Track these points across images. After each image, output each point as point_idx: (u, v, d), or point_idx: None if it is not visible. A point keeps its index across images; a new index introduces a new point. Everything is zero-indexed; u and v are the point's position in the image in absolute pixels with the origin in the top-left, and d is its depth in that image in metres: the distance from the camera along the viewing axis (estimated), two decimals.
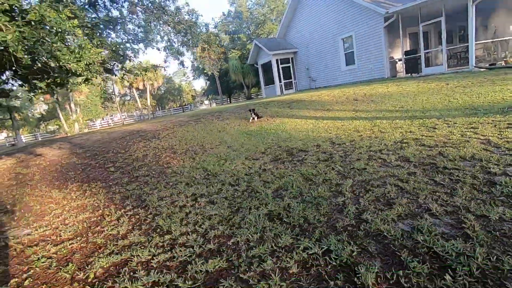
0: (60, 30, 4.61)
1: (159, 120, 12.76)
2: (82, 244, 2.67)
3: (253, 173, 3.94)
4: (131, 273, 2.02)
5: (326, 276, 1.67)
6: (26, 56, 4.29)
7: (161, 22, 12.47)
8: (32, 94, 6.78)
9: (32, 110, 40.48)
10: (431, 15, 11.45)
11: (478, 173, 2.64)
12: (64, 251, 2.58)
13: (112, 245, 2.51)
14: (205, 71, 35.72)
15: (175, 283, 1.83)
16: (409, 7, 11.04)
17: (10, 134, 39.38)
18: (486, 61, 12.11)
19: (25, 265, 2.45)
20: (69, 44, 5.22)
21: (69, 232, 3.02)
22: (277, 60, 19.26)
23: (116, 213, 3.35)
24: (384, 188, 2.68)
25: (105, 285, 1.92)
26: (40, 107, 42.22)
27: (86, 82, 7.23)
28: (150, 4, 11.84)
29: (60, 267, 2.29)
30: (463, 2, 10.04)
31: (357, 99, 8.68)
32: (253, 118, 8.38)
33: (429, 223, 1.99)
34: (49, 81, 6.28)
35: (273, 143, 5.64)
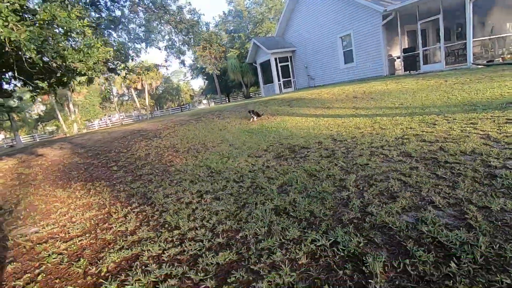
0: (69, 29, 4.64)
1: (159, 120, 12.78)
2: (91, 241, 2.72)
3: (256, 170, 3.99)
4: (143, 267, 2.06)
5: (335, 266, 1.72)
6: (35, 55, 4.32)
7: (162, 21, 12.47)
8: (34, 94, 6.78)
9: (30, 111, 40.34)
10: (429, 13, 11.52)
11: (479, 167, 2.70)
12: (74, 248, 2.62)
13: (121, 241, 2.55)
14: (204, 71, 35.71)
15: (188, 275, 1.88)
16: (407, 4, 11.11)
17: (8, 136, 39.22)
18: (483, 58, 12.21)
19: (36, 261, 2.49)
20: (78, 43, 5.24)
21: (77, 229, 3.06)
22: (275, 59, 19.30)
23: (122, 210, 3.39)
24: (388, 182, 2.74)
25: (118, 279, 1.97)
26: (38, 107, 42.05)
27: (89, 82, 7.24)
28: (151, 4, 11.84)
29: (72, 263, 2.33)
30: (460, 0, 10.11)
31: (357, 97, 8.74)
32: (253, 118, 8.42)
33: (433, 215, 2.05)
34: (51, 81, 6.29)
35: (275, 141, 5.69)
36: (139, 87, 39.11)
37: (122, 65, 9.78)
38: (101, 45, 5.59)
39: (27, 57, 4.28)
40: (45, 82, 6.14)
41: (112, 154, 6.88)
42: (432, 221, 1.97)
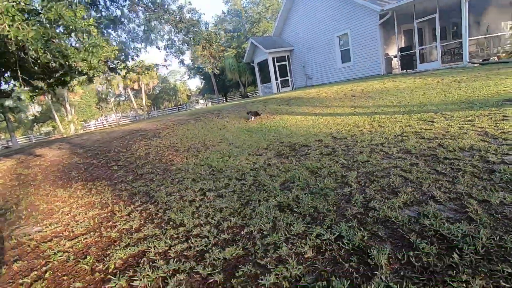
0: (74, 28, 4.64)
1: (157, 120, 12.75)
2: (96, 239, 2.73)
3: (258, 168, 4.03)
4: (151, 263, 2.09)
5: (340, 259, 1.76)
6: (42, 54, 4.31)
7: (162, 21, 12.45)
8: (34, 94, 6.75)
9: (25, 112, 39.95)
10: (425, 12, 11.64)
11: (478, 162, 2.76)
12: (80, 246, 2.64)
13: (127, 238, 2.57)
14: (201, 71, 35.65)
15: (195, 270, 1.91)
16: (403, 4, 11.20)
17: (3, 137, 38.81)
18: (479, 56, 12.35)
19: (42, 260, 2.50)
20: (83, 42, 5.24)
21: (81, 228, 3.07)
22: (273, 58, 19.34)
23: (125, 208, 3.41)
24: (389, 178, 2.79)
25: (126, 274, 1.99)
26: (33, 108, 41.67)
27: (90, 82, 7.22)
28: (150, 4, 11.82)
29: (79, 260, 2.35)
30: None
31: (355, 96, 8.81)
32: (251, 118, 8.42)
33: (434, 209, 2.10)
34: (51, 80, 6.27)
35: (275, 139, 5.73)
36: (135, 87, 38.97)
37: (123, 65, 9.77)
38: (106, 44, 5.60)
39: (33, 56, 4.27)
40: (45, 81, 6.12)
41: (111, 154, 6.87)
42: (433, 215, 2.02)
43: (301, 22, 18.11)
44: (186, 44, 15.08)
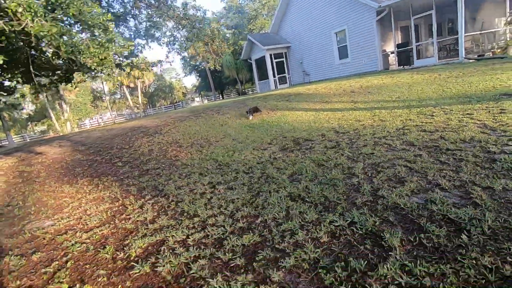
0: (92, 24, 4.65)
1: (156, 117, 12.74)
2: (112, 230, 2.80)
3: (264, 162, 4.11)
4: (171, 250, 2.17)
5: (355, 243, 1.86)
6: (64, 49, 4.31)
7: (166, 17, 12.39)
8: (37, 91, 6.72)
9: (19, 111, 39.43)
10: (422, 8, 11.77)
11: (479, 153, 2.88)
12: (96, 237, 2.70)
13: (143, 229, 2.65)
14: (197, 68, 35.52)
15: (216, 256, 1.99)
16: (400, 0, 11.32)
17: None
18: (474, 52, 12.55)
19: (60, 251, 2.57)
20: (99, 37, 5.24)
21: (95, 221, 3.13)
22: (270, 55, 19.38)
23: (136, 202, 3.47)
24: (394, 169, 2.90)
25: (149, 261, 2.07)
26: (28, 107, 41.13)
27: (93, 79, 7.19)
28: (153, 1, 11.77)
29: (98, 250, 2.42)
30: None
31: (354, 91, 8.92)
32: (251, 116, 8.42)
33: (441, 196, 2.21)
34: (54, 77, 6.26)
35: (278, 134, 5.81)
36: (131, 85, 38.67)
37: (127, 61, 9.73)
38: (123, 39, 5.61)
39: (49, 53, 4.27)
40: (48, 78, 6.10)
41: (114, 150, 6.90)
42: (440, 201, 2.13)
43: (299, 19, 18.15)
44: (189, 41, 15.03)
